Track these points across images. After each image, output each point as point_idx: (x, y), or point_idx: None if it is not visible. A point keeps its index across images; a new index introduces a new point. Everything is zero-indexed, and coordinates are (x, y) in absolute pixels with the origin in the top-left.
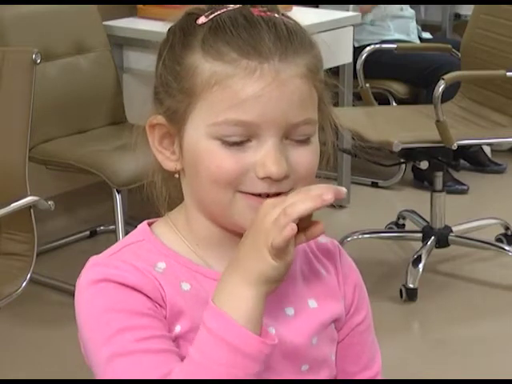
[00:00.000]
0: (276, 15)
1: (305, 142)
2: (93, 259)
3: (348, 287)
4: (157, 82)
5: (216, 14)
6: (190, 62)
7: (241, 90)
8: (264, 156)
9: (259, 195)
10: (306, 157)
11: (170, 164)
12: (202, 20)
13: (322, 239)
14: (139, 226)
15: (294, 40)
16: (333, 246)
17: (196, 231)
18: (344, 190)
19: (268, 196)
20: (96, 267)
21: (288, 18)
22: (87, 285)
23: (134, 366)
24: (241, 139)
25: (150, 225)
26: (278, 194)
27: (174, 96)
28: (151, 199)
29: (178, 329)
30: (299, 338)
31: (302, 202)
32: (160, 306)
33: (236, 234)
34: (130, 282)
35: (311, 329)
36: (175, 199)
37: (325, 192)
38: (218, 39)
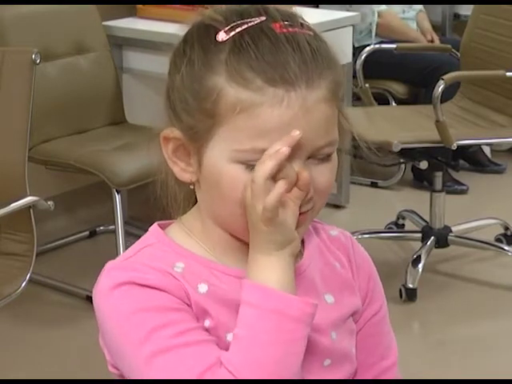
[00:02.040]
0: (297, 30)
1: (324, 160)
2: (109, 264)
3: (362, 278)
4: (173, 94)
5: (237, 31)
6: (212, 83)
7: (268, 120)
8: (298, 170)
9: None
10: (326, 175)
11: (185, 175)
12: (222, 37)
13: (334, 232)
14: (151, 229)
15: (318, 61)
16: (345, 237)
17: (211, 237)
18: (296, 132)
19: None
20: (114, 271)
21: (308, 28)
22: (109, 290)
23: (177, 362)
24: None
25: (161, 227)
26: (300, 214)
27: (194, 115)
28: (162, 202)
29: (207, 323)
30: (319, 334)
31: (262, 164)
32: (186, 304)
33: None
34: (152, 283)
35: (330, 325)
36: (186, 202)
37: (279, 146)
38: (241, 63)
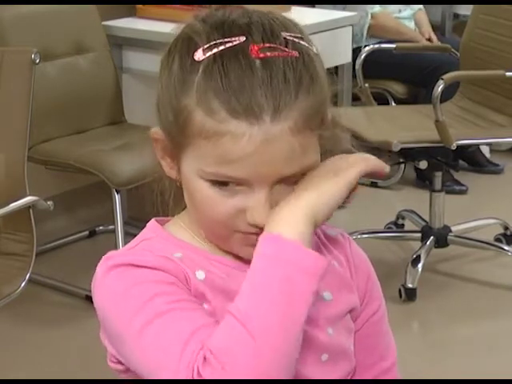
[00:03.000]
0: (277, 54)
1: (297, 182)
2: (109, 253)
3: (360, 278)
4: (158, 98)
5: (213, 51)
6: (184, 103)
7: (230, 151)
8: (253, 206)
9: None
10: None
11: (171, 172)
12: (199, 56)
13: (332, 231)
14: (148, 224)
15: (291, 89)
16: (343, 237)
17: (202, 233)
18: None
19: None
20: (112, 258)
21: (294, 48)
22: (106, 271)
23: (172, 323)
24: (229, 183)
25: (159, 223)
26: None
27: (171, 125)
28: (159, 201)
29: (205, 307)
30: (316, 329)
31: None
32: (184, 285)
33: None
34: (150, 264)
35: (327, 320)
36: (182, 200)
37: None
38: (209, 90)
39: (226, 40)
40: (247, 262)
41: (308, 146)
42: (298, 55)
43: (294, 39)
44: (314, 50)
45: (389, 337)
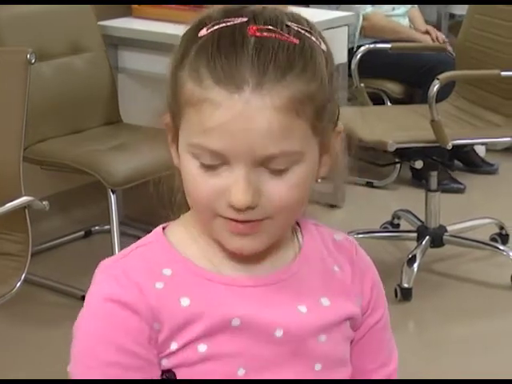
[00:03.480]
0: (274, 35)
1: (280, 173)
2: (102, 265)
3: (365, 286)
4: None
5: (214, 28)
6: (180, 75)
7: (209, 118)
8: (232, 184)
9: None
10: (280, 189)
11: (176, 161)
12: (202, 33)
13: (339, 236)
14: (155, 229)
15: (278, 67)
16: (349, 243)
17: (201, 234)
18: None
19: (237, 222)
20: (102, 281)
21: (298, 37)
22: (95, 305)
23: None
24: (213, 163)
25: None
26: (247, 221)
27: (171, 101)
28: (163, 200)
29: (173, 346)
30: (307, 337)
31: None
32: (154, 323)
33: None
34: (126, 300)
35: (319, 326)
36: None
37: None
38: (200, 61)
39: (228, 19)
40: (236, 279)
41: (292, 130)
42: (297, 42)
43: (300, 30)
44: (323, 46)
45: (391, 343)
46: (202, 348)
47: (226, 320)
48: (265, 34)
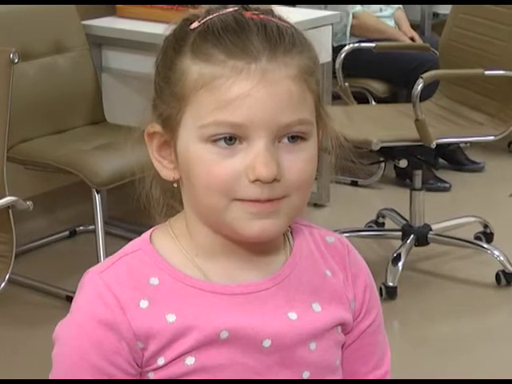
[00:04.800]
0: (269, 18)
1: (301, 142)
2: (88, 277)
3: (358, 288)
4: (154, 89)
5: (208, 17)
6: (180, 66)
7: (227, 91)
8: (254, 158)
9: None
10: (296, 164)
11: (167, 173)
12: (194, 25)
13: (331, 238)
14: (143, 234)
15: (285, 41)
16: (341, 245)
17: (195, 239)
18: None
19: (259, 202)
20: (87, 295)
21: (283, 20)
22: (79, 318)
23: None
24: (229, 143)
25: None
26: (269, 201)
27: (167, 101)
28: (142, 203)
29: (160, 362)
30: (297, 344)
31: None
32: (137, 341)
33: (235, 240)
34: (108, 319)
35: (309, 333)
36: (175, 207)
37: None
38: (206, 42)
39: (219, 11)
40: (225, 286)
41: (305, 100)
42: (288, 26)
43: (287, 21)
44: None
45: (385, 345)
46: (190, 361)
47: (214, 334)
48: (261, 16)
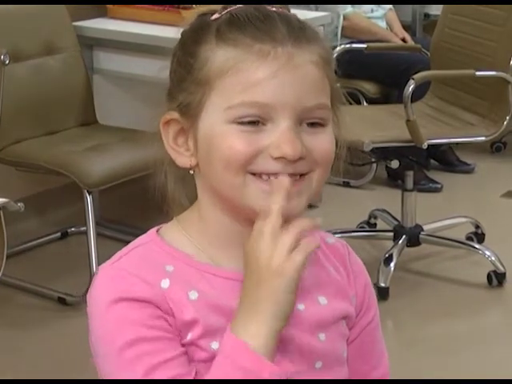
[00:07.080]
0: (287, 12)
1: (319, 127)
2: (101, 270)
3: (359, 287)
4: (171, 80)
5: (229, 9)
6: (204, 52)
7: (254, 73)
8: (279, 137)
9: (268, 177)
10: (321, 143)
11: (184, 160)
12: (215, 16)
13: (331, 239)
14: (148, 231)
15: (306, 30)
16: (342, 246)
17: (209, 228)
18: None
19: (276, 175)
20: (106, 283)
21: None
22: (103, 307)
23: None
24: (256, 120)
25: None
26: (293, 175)
27: (188, 89)
28: (162, 202)
29: (189, 336)
30: (307, 334)
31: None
32: (170, 316)
33: (248, 224)
34: (138, 295)
35: (317, 323)
36: (184, 203)
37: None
38: (232, 28)
39: (239, 6)
40: (237, 273)
41: (325, 86)
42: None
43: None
44: None
45: (382, 344)
46: (215, 345)
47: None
48: (280, 9)
